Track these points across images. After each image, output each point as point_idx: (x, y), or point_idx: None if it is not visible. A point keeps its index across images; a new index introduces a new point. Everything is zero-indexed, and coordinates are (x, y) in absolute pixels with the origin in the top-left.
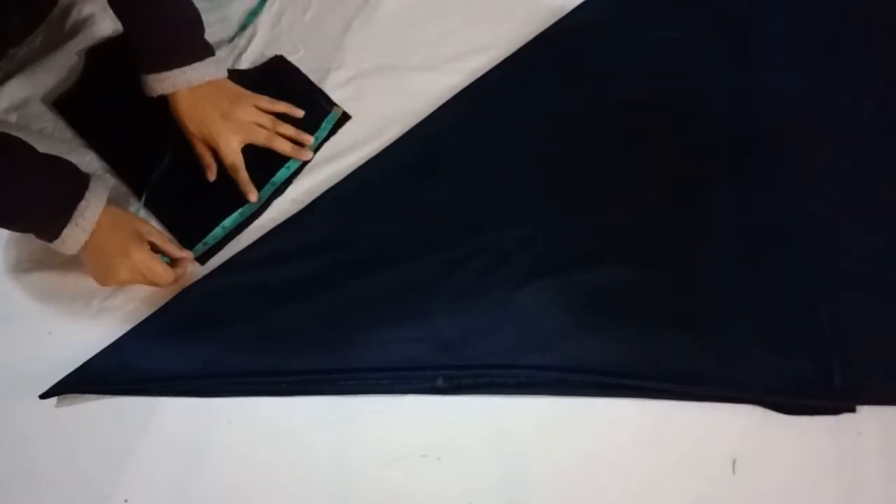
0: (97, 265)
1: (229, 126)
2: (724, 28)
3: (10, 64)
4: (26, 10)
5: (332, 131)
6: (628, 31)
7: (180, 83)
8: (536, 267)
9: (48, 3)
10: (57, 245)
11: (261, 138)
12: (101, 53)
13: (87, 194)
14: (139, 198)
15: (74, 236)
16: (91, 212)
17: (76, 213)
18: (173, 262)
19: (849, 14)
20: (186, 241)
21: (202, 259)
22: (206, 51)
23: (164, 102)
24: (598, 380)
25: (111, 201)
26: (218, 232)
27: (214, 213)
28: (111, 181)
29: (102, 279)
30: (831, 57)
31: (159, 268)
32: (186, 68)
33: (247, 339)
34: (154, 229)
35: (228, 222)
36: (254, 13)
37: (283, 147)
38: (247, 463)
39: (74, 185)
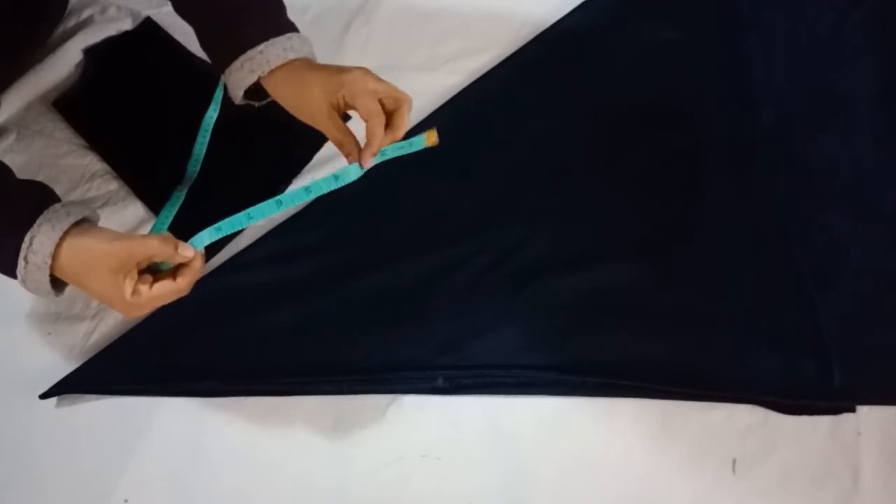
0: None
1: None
2: (723, 28)
3: (17, 66)
4: (40, 16)
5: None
6: (628, 31)
7: (258, 65)
8: (536, 267)
9: (59, 9)
10: (23, 287)
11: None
12: (101, 53)
13: (39, 220)
14: (143, 201)
15: (31, 276)
16: (41, 242)
17: (23, 247)
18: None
19: (848, 13)
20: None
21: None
22: (283, 26)
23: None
24: (598, 380)
25: (86, 227)
26: (242, 219)
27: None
28: (85, 209)
29: (126, 317)
30: (830, 56)
31: (163, 297)
32: (260, 47)
33: (247, 339)
34: (134, 248)
35: (254, 212)
36: None
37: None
38: (247, 463)
39: (27, 212)
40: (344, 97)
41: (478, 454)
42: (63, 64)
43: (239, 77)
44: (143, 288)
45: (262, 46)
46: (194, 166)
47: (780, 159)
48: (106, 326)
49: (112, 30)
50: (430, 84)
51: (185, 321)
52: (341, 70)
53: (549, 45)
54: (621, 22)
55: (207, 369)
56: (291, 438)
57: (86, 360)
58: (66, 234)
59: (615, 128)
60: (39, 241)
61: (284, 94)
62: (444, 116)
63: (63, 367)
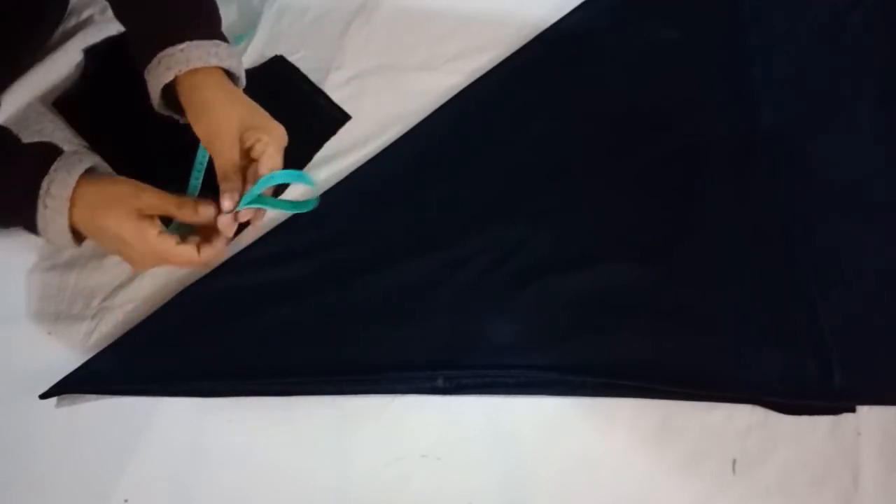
0: (116, 254)
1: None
2: (723, 28)
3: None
4: (40, 17)
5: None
6: (628, 31)
7: (176, 62)
8: (536, 267)
9: (59, 9)
10: (45, 237)
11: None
12: (101, 53)
13: (54, 166)
14: None
15: (52, 221)
16: (58, 186)
17: (41, 192)
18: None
19: (848, 13)
20: None
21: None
22: (211, 33)
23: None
24: (598, 380)
25: (99, 174)
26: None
27: None
28: (96, 158)
29: (132, 266)
30: (831, 56)
31: (179, 257)
32: (182, 45)
33: (247, 339)
34: (157, 197)
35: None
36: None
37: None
38: (247, 463)
39: (42, 160)
40: (256, 141)
41: (478, 454)
42: (63, 64)
43: (156, 75)
44: (170, 239)
45: (183, 45)
46: (197, 178)
47: (780, 159)
48: (106, 326)
49: (112, 30)
50: (430, 84)
51: (186, 321)
52: (267, 117)
53: (549, 45)
54: (621, 22)
55: (207, 369)
56: (291, 438)
57: (86, 360)
58: (80, 178)
59: (615, 128)
60: (57, 186)
61: (200, 98)
62: (444, 116)
63: (63, 367)
